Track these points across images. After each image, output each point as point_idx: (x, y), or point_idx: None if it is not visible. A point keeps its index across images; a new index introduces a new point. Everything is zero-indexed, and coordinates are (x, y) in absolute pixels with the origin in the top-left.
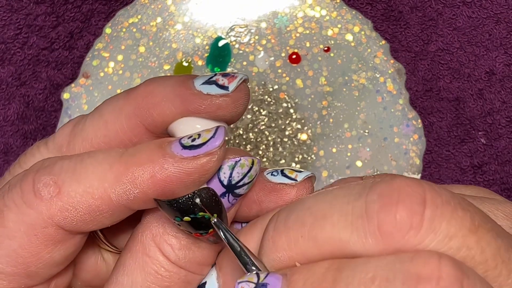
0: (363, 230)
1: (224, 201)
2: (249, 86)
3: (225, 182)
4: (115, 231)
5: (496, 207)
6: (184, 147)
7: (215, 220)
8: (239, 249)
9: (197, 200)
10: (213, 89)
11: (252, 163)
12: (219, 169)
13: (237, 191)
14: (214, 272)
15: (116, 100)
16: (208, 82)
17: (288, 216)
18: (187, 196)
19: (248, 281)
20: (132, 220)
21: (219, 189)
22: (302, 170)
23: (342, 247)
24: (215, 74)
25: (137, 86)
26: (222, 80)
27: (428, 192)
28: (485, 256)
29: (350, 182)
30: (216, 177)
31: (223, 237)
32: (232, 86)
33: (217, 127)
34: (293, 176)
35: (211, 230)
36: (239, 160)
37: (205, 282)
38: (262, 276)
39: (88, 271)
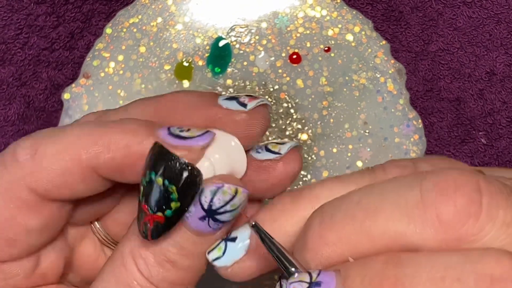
0: (420, 220)
1: (204, 224)
2: (249, 86)
3: (205, 206)
4: (115, 225)
5: None
6: (171, 134)
7: (254, 223)
8: (278, 252)
9: (185, 174)
10: (232, 105)
11: (236, 192)
12: (201, 191)
13: (218, 217)
14: (247, 230)
15: (144, 100)
16: (230, 98)
17: (335, 211)
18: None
19: (301, 281)
20: (131, 216)
21: (199, 212)
22: (286, 141)
23: (398, 239)
24: (240, 94)
25: (159, 97)
26: (243, 99)
27: (482, 181)
28: None
29: (400, 165)
30: (197, 199)
31: (262, 241)
32: (250, 105)
33: (208, 130)
34: (276, 150)
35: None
36: (221, 187)
37: (236, 237)
38: (314, 274)
39: (89, 267)
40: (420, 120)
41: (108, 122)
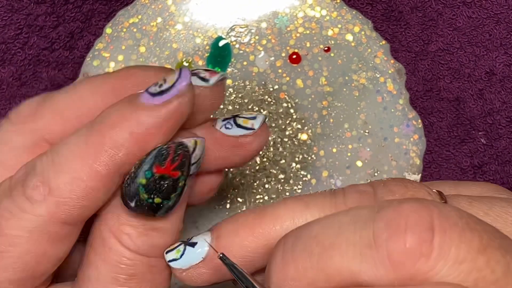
0: (373, 260)
1: None
2: (249, 86)
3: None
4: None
5: (506, 211)
6: (153, 94)
7: (221, 255)
8: (249, 284)
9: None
10: (195, 80)
11: (195, 143)
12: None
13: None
14: (207, 237)
15: (94, 79)
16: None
17: (295, 244)
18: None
19: None
20: None
21: None
22: (254, 114)
23: (353, 277)
24: (197, 69)
25: (117, 70)
26: (203, 74)
27: (435, 216)
28: (496, 276)
29: (360, 190)
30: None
31: (234, 274)
32: (213, 80)
33: (181, 69)
34: (249, 125)
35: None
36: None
37: (196, 243)
38: None
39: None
40: (419, 120)
41: (89, 126)
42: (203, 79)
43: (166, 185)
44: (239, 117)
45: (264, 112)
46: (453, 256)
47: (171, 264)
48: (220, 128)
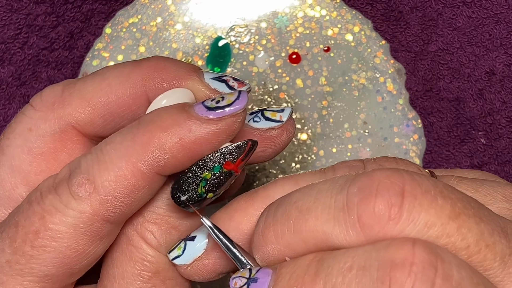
0: (344, 222)
1: None
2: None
3: None
4: None
5: (496, 190)
6: (209, 108)
7: (204, 219)
8: (231, 247)
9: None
10: (221, 87)
11: (254, 145)
12: None
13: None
14: (206, 230)
15: (124, 67)
16: (217, 79)
17: (276, 210)
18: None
19: (241, 276)
20: None
21: None
22: (282, 107)
23: (326, 239)
24: (225, 75)
25: (147, 58)
26: (232, 82)
27: (407, 182)
28: (466, 242)
29: (350, 165)
30: None
31: (215, 236)
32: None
33: (240, 91)
34: (277, 118)
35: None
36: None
37: (195, 236)
38: (254, 271)
39: None
40: (419, 120)
41: (136, 124)
42: (232, 88)
43: (225, 181)
44: (267, 110)
45: None
46: (422, 220)
47: (175, 261)
48: (248, 122)
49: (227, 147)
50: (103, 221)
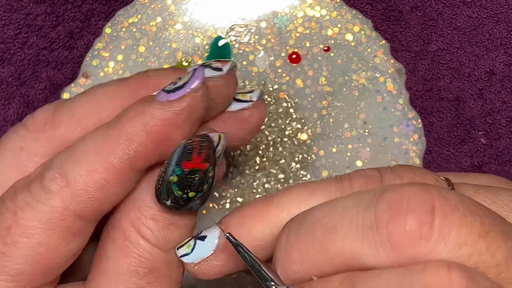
0: (373, 241)
1: None
2: (248, 86)
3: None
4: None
5: None
6: (168, 91)
7: (229, 235)
8: (257, 265)
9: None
10: (208, 72)
11: (219, 139)
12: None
13: None
14: (217, 230)
15: (109, 85)
16: (205, 66)
17: (298, 228)
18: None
19: None
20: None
21: None
22: (250, 89)
23: (354, 259)
24: (208, 61)
25: (132, 75)
26: (215, 64)
27: (437, 199)
28: (496, 260)
29: (366, 175)
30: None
31: (241, 254)
32: (226, 68)
33: (195, 68)
34: (248, 98)
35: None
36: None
37: (205, 236)
38: None
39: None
40: (419, 120)
41: (106, 124)
42: (216, 69)
43: (197, 178)
44: (237, 93)
45: None
46: (453, 239)
47: (183, 259)
48: None
49: (180, 145)
50: (74, 216)
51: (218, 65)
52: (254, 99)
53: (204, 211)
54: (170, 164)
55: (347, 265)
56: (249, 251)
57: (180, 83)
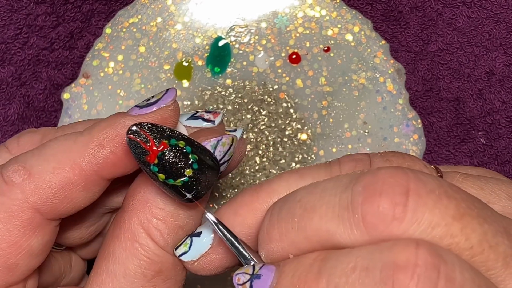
0: (348, 221)
1: None
2: (248, 86)
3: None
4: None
5: (500, 188)
6: (141, 107)
7: (208, 214)
8: (235, 242)
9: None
10: (199, 123)
11: (232, 141)
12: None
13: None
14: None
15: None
16: (193, 117)
17: (281, 208)
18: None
19: (244, 273)
20: (80, 216)
21: None
22: (234, 127)
23: (330, 238)
24: (197, 111)
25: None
26: (207, 115)
27: (412, 182)
28: (470, 243)
29: (355, 158)
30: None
31: (219, 232)
32: (218, 120)
33: (168, 89)
34: (207, 117)
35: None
36: (221, 139)
37: (201, 232)
38: (257, 267)
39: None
40: (419, 120)
41: (84, 130)
42: (208, 121)
43: (170, 157)
44: (206, 111)
45: (264, 112)
46: (426, 220)
47: (182, 258)
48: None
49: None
50: (34, 209)
51: (210, 116)
52: (238, 136)
53: None
54: (149, 173)
55: (324, 244)
56: (228, 229)
57: (152, 100)
